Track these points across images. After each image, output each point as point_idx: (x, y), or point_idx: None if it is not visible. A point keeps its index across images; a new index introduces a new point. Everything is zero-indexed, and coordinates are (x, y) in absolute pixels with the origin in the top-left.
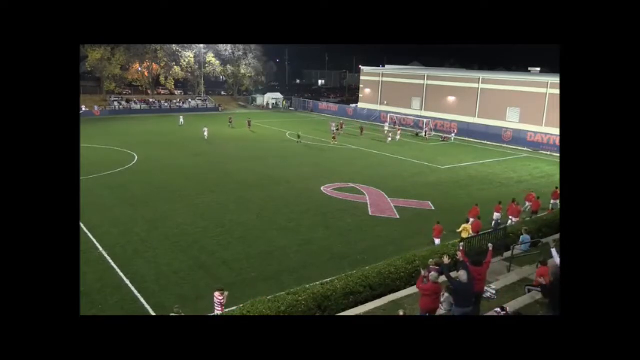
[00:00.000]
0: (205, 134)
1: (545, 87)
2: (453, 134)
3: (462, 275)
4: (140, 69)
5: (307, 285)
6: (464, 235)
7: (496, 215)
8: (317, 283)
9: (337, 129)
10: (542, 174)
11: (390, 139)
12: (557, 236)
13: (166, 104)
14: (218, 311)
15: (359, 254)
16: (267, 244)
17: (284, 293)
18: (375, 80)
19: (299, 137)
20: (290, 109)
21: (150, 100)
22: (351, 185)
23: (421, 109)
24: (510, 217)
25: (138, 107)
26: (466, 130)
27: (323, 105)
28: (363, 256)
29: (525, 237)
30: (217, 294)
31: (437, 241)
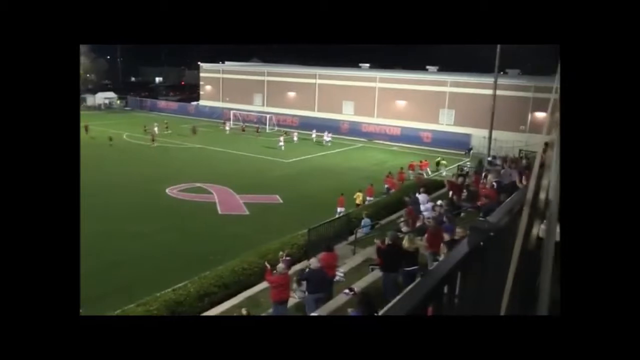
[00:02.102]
0: None
1: (374, 81)
2: (328, 136)
3: (312, 262)
4: None
5: (158, 294)
6: (358, 201)
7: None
8: (169, 290)
9: (148, 130)
10: (376, 161)
11: (281, 143)
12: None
13: None
14: None
15: (211, 254)
16: (114, 254)
17: (133, 305)
18: (216, 77)
19: (110, 139)
20: (126, 108)
21: None
22: (198, 185)
23: (263, 105)
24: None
25: None
26: (307, 124)
27: (162, 103)
28: (216, 256)
29: (366, 221)
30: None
31: (341, 209)
